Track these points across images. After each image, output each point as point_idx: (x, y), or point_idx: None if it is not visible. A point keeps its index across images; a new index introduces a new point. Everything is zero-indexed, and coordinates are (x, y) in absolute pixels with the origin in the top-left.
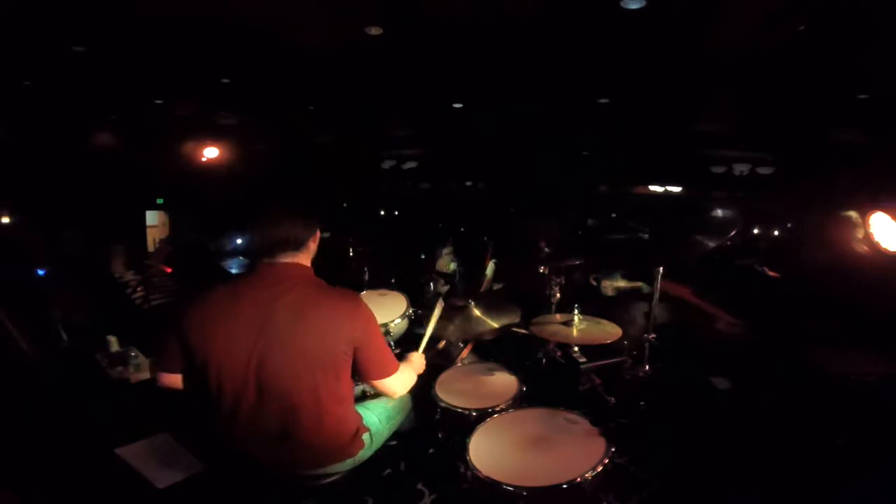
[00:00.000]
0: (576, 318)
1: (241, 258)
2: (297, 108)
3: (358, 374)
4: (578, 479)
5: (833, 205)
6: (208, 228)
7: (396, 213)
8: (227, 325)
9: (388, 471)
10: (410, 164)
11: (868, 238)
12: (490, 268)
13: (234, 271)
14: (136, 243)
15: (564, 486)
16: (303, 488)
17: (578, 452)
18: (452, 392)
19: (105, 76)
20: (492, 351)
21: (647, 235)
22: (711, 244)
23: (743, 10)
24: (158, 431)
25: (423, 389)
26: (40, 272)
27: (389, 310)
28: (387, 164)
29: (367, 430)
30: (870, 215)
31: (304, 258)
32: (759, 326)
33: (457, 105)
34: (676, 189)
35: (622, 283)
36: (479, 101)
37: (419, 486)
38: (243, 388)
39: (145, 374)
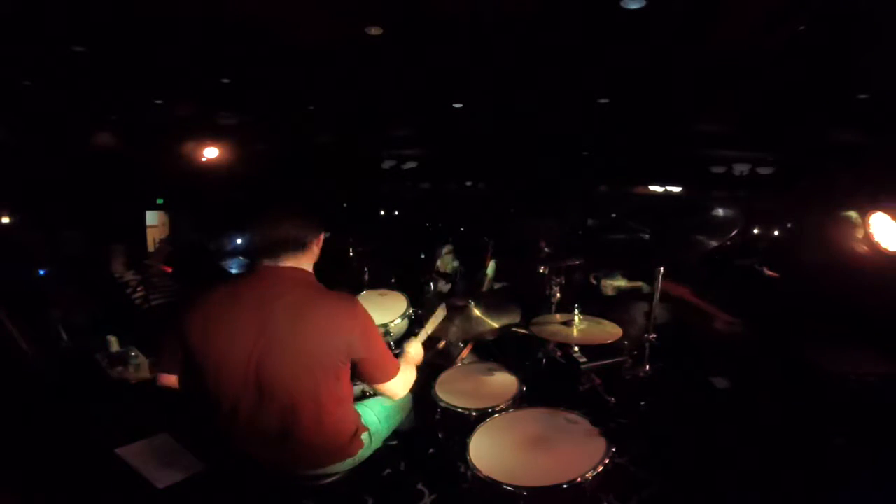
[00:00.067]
0: (576, 318)
1: (241, 258)
2: (297, 108)
3: (359, 378)
4: (579, 479)
5: (833, 205)
6: (208, 228)
7: (396, 213)
8: (227, 325)
9: (388, 471)
10: (410, 164)
11: (868, 238)
12: (491, 267)
13: (234, 271)
14: (136, 243)
15: (565, 486)
16: (303, 488)
17: (578, 452)
18: (452, 392)
19: (105, 76)
20: (492, 351)
21: (647, 235)
22: (711, 244)
23: (743, 10)
24: (158, 431)
25: (423, 389)
26: (41, 272)
27: (389, 310)
28: (387, 164)
29: (367, 429)
30: (870, 215)
31: (306, 261)
32: (758, 326)
33: (457, 105)
34: (676, 189)
35: (622, 283)
36: (479, 101)
37: (419, 486)
38: (243, 388)
39: (145, 374)
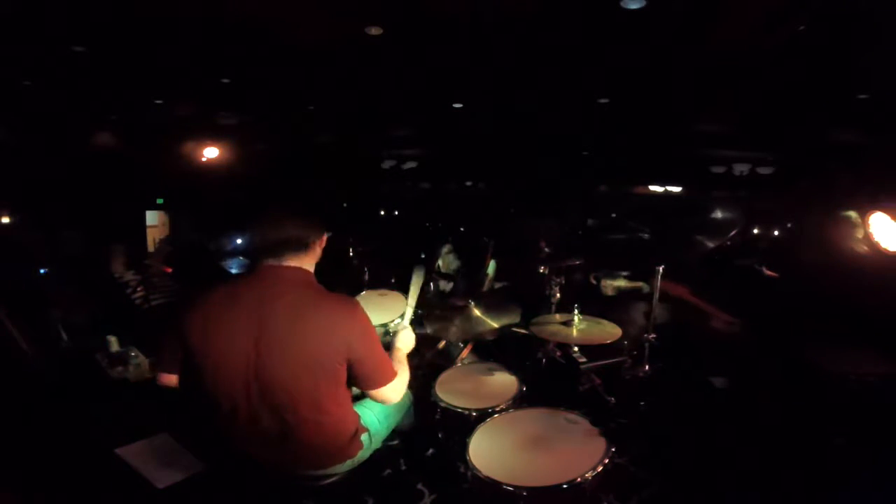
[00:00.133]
0: (576, 318)
1: (241, 258)
2: (297, 108)
3: (353, 381)
4: (579, 479)
5: (833, 205)
6: (208, 228)
7: (396, 213)
8: (227, 325)
9: (388, 471)
10: (410, 164)
11: (868, 238)
12: (491, 267)
13: (234, 271)
14: (136, 243)
15: (565, 486)
16: (303, 488)
17: (578, 452)
18: (452, 392)
19: (105, 76)
20: (492, 351)
21: (647, 235)
22: (711, 244)
23: (743, 10)
24: (158, 431)
25: (423, 389)
26: (42, 272)
27: (389, 310)
28: (387, 164)
29: (366, 430)
30: (870, 215)
31: (309, 261)
32: (758, 326)
33: (457, 105)
34: (676, 189)
35: (622, 283)
36: (479, 101)
37: (419, 486)
38: (242, 388)
39: (145, 374)
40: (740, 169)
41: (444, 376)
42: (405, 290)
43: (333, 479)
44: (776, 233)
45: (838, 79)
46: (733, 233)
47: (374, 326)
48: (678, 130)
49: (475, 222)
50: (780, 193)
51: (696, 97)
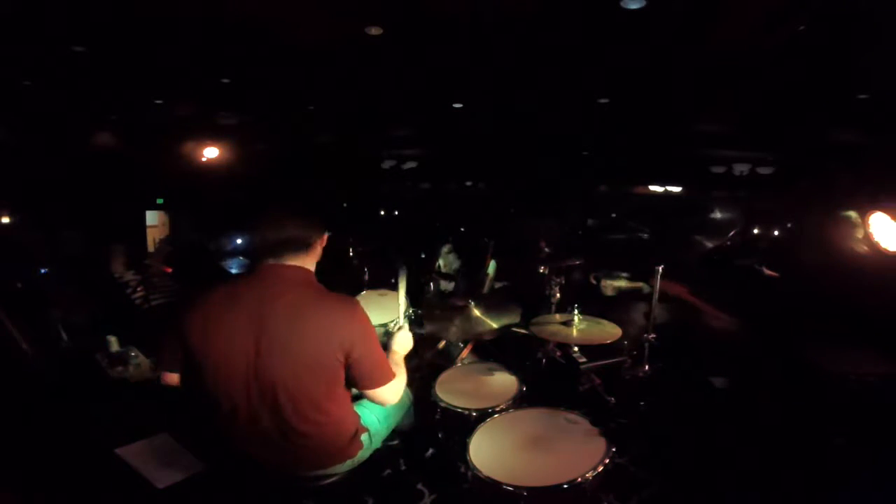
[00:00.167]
0: (576, 318)
1: (241, 258)
2: (297, 108)
3: (351, 381)
4: (579, 479)
5: (833, 205)
6: (208, 228)
7: (396, 213)
8: (227, 325)
9: (388, 471)
10: (410, 164)
11: (868, 238)
12: (492, 267)
13: (234, 271)
14: (136, 243)
15: (565, 486)
16: (303, 489)
17: (579, 452)
18: (452, 392)
19: (105, 76)
20: (492, 351)
21: (647, 235)
22: (711, 244)
23: (743, 10)
24: (158, 431)
25: (423, 389)
26: (42, 272)
27: (389, 310)
28: (387, 164)
29: (366, 430)
30: (870, 215)
31: (309, 261)
32: (758, 326)
33: (457, 105)
34: (676, 189)
35: (622, 283)
36: (479, 101)
37: (419, 486)
38: (242, 388)
39: (145, 374)
40: (740, 169)
41: (444, 376)
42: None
43: (333, 479)
44: (776, 233)
45: (838, 79)
46: (733, 233)
47: (374, 326)
48: (678, 130)
49: (475, 222)
50: (780, 193)
51: (696, 97)
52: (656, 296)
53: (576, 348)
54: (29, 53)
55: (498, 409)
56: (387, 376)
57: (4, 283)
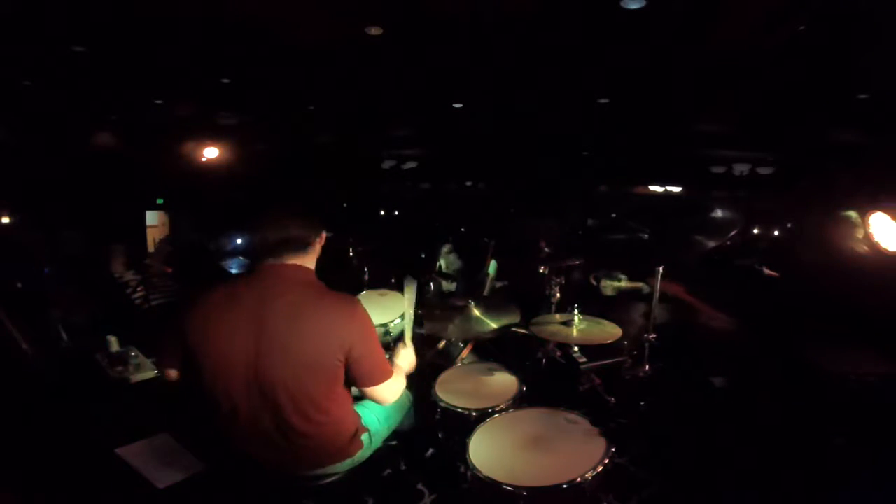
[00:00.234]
0: (576, 318)
1: (241, 258)
2: (297, 108)
3: (351, 379)
4: (578, 479)
5: (833, 205)
6: (208, 228)
7: (396, 213)
8: (227, 325)
9: (388, 471)
10: (410, 164)
11: (868, 238)
12: (492, 267)
13: (234, 271)
14: (136, 243)
15: (564, 486)
16: (302, 488)
17: (578, 452)
18: (452, 392)
19: (105, 76)
20: (492, 351)
21: (647, 235)
22: (711, 244)
23: (743, 10)
24: (158, 431)
25: (423, 389)
26: (45, 271)
27: (389, 310)
28: (387, 164)
29: (367, 430)
30: (870, 215)
31: (309, 260)
32: (758, 326)
33: (457, 105)
34: (676, 189)
35: (622, 283)
36: (479, 101)
37: (419, 486)
38: (242, 388)
39: (145, 374)
40: (740, 169)
41: (444, 376)
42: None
43: (333, 478)
44: (776, 233)
45: (838, 79)
46: (733, 233)
47: (375, 326)
48: (678, 130)
49: (475, 222)
50: (780, 193)
51: (696, 97)
52: (656, 296)
53: (576, 348)
54: (29, 53)
55: (498, 409)
56: (386, 375)
57: (4, 283)
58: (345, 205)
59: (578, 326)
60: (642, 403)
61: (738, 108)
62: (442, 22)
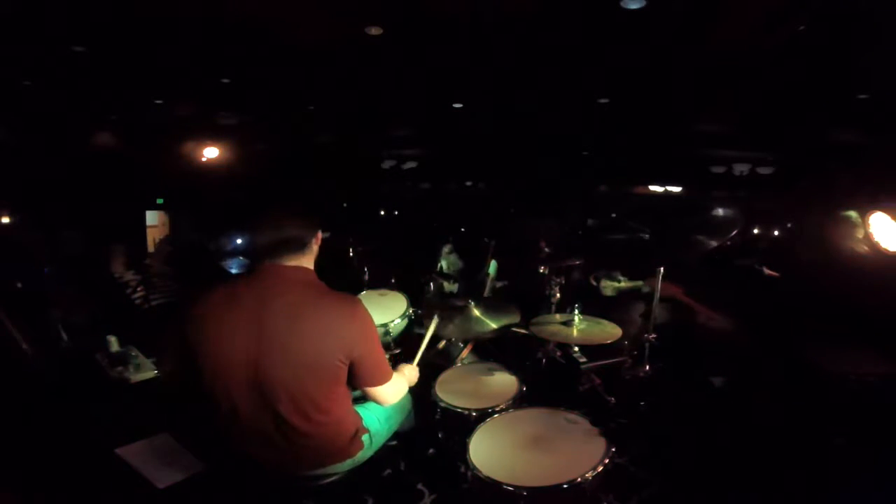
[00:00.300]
0: (576, 318)
1: (241, 258)
2: (297, 108)
3: (352, 379)
4: (579, 479)
5: (833, 205)
6: (208, 228)
7: (396, 213)
8: (227, 326)
9: (388, 471)
10: (410, 164)
11: (868, 238)
12: (493, 267)
13: (234, 271)
14: (136, 243)
15: (565, 486)
16: (303, 488)
17: (578, 452)
18: (452, 392)
19: (105, 76)
20: (492, 351)
21: (647, 235)
22: (711, 244)
23: (743, 10)
24: (158, 431)
25: (423, 389)
26: (45, 271)
27: (389, 310)
28: (387, 164)
29: (367, 430)
30: (870, 215)
31: (307, 260)
32: (758, 326)
33: (457, 105)
34: (676, 189)
35: (622, 284)
36: (479, 101)
37: (419, 486)
38: (242, 388)
39: (145, 374)
40: (740, 169)
41: (444, 376)
42: (405, 291)
43: (333, 478)
44: (776, 233)
45: (838, 79)
46: (733, 233)
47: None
48: (678, 130)
49: (475, 222)
50: (780, 193)
51: (696, 97)
52: (657, 296)
53: (576, 348)
54: (29, 53)
55: (498, 409)
56: (386, 375)
57: (4, 283)
58: (345, 205)
59: (578, 326)
60: (642, 403)
61: (738, 108)
62: (442, 22)
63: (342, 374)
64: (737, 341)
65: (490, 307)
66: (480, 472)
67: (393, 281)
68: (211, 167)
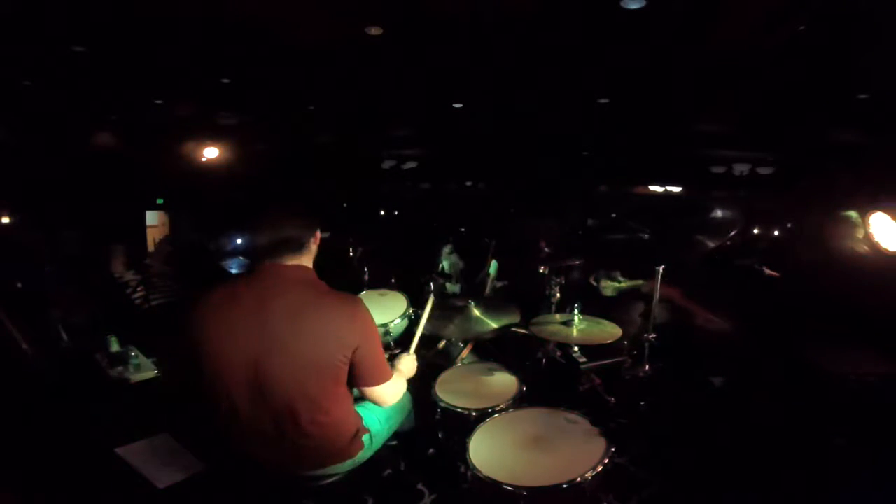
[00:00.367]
0: (576, 318)
1: (241, 258)
2: (297, 108)
3: (352, 379)
4: (578, 479)
5: (833, 205)
6: (208, 228)
7: (396, 213)
8: (227, 326)
9: (388, 471)
10: (410, 164)
11: (868, 238)
12: (493, 267)
13: (234, 271)
14: (136, 243)
15: (564, 486)
16: (303, 488)
17: (578, 452)
18: (452, 392)
19: (105, 76)
20: (492, 351)
21: (647, 235)
22: (711, 244)
23: (743, 10)
24: (158, 431)
25: (423, 389)
26: (46, 271)
27: (389, 310)
28: (387, 164)
29: (367, 431)
30: (870, 215)
31: (306, 259)
32: (758, 326)
33: (457, 105)
34: (676, 189)
35: (622, 284)
36: (479, 101)
37: (419, 486)
38: (243, 388)
39: (145, 374)
40: (740, 169)
41: (444, 376)
42: (405, 291)
43: (333, 479)
44: (776, 233)
45: (838, 79)
46: (733, 233)
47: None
48: (678, 130)
49: (476, 222)
50: (780, 193)
51: (696, 97)
52: (657, 296)
53: (576, 348)
54: (29, 53)
55: (498, 409)
56: (386, 376)
57: (4, 283)
58: (345, 205)
59: (578, 326)
60: (642, 403)
61: (738, 108)
62: (442, 22)
63: (343, 373)
64: (736, 341)
65: (490, 307)
66: (480, 472)
67: (393, 281)
68: (211, 167)
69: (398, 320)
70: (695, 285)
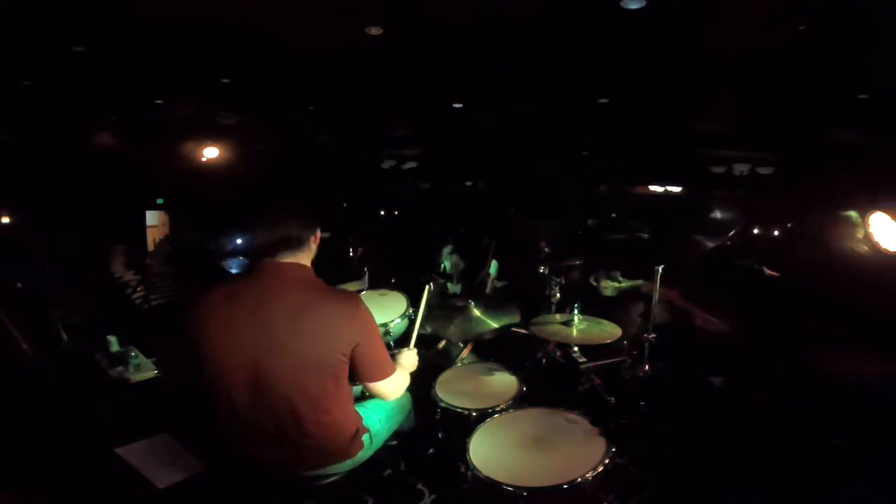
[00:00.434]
0: (576, 318)
1: (241, 258)
2: (297, 108)
3: (352, 374)
4: (579, 480)
5: (833, 205)
6: (208, 228)
7: (396, 213)
8: (227, 325)
9: (388, 471)
10: (410, 164)
11: (868, 238)
12: (493, 267)
13: (234, 271)
14: (136, 243)
15: (565, 486)
16: (303, 488)
17: (578, 452)
18: (452, 392)
19: (105, 76)
20: (492, 351)
21: (646, 235)
22: (711, 244)
23: (743, 10)
24: (158, 431)
25: (423, 389)
26: (47, 270)
27: (389, 310)
28: (387, 164)
29: (367, 430)
30: (870, 215)
31: (305, 258)
32: (758, 326)
33: (457, 105)
34: (676, 189)
35: (622, 284)
36: (479, 101)
37: (419, 486)
38: (243, 388)
39: (145, 374)
40: (740, 169)
41: (444, 376)
42: (405, 291)
43: (333, 478)
44: (776, 233)
45: (838, 79)
46: (733, 233)
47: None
48: (678, 130)
49: (476, 223)
50: (780, 193)
51: (696, 97)
52: (656, 296)
53: (576, 348)
54: (29, 53)
55: (498, 409)
56: (388, 370)
57: (4, 283)
58: (345, 205)
59: (578, 326)
60: (642, 403)
61: (738, 108)
62: (442, 22)
63: (343, 372)
64: (736, 341)
65: (490, 307)
66: (480, 472)
67: (393, 281)
68: (211, 167)
69: (398, 320)
70: (695, 285)
